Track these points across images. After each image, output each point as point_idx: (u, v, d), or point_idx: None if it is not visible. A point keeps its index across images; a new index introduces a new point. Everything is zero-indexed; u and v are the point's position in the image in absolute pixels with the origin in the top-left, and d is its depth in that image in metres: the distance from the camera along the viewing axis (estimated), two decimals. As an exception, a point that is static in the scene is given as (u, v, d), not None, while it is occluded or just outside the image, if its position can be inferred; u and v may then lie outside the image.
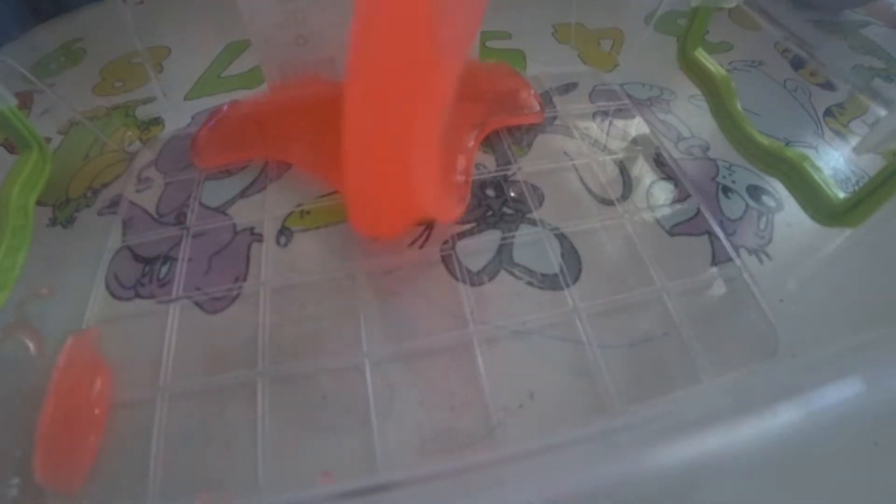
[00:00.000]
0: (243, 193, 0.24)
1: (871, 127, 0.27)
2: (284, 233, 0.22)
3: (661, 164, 0.25)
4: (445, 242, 0.21)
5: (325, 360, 0.18)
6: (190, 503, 0.15)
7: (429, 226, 0.22)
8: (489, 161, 0.25)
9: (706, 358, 0.18)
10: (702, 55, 0.25)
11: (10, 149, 0.26)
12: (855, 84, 0.29)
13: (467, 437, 0.16)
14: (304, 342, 0.19)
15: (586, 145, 0.26)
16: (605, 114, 0.28)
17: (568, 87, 0.29)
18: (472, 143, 0.24)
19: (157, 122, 0.28)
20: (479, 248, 0.21)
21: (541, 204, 0.23)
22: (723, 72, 0.24)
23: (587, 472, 0.12)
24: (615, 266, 0.21)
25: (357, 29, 0.14)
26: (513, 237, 0.22)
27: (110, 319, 0.20)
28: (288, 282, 0.20)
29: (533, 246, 0.21)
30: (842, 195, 0.18)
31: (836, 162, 0.25)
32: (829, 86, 0.30)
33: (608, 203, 0.23)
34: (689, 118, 0.27)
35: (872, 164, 0.24)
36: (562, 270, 0.20)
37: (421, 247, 0.21)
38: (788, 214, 0.22)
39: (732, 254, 0.21)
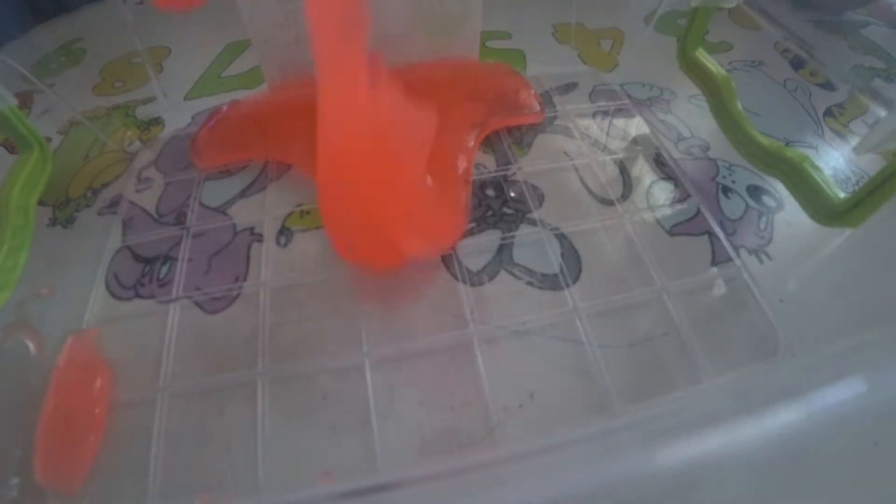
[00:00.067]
0: (243, 193, 0.24)
1: (871, 127, 0.27)
2: (284, 233, 0.22)
3: (661, 164, 0.25)
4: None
5: (325, 360, 0.18)
6: (190, 503, 0.15)
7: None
8: (489, 161, 0.25)
9: (706, 358, 0.18)
10: (702, 55, 0.25)
11: (11, 149, 0.26)
12: (855, 84, 0.29)
13: (467, 437, 0.16)
14: (304, 342, 0.19)
15: (586, 145, 0.26)
16: (605, 114, 0.28)
17: (568, 87, 0.29)
18: (472, 143, 0.24)
19: (157, 122, 0.28)
20: (478, 248, 0.21)
21: (541, 204, 0.23)
22: (723, 72, 0.24)
23: (587, 472, 0.12)
24: (615, 266, 0.21)
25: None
26: (513, 237, 0.22)
27: (110, 319, 0.20)
28: (288, 282, 0.20)
29: (533, 246, 0.21)
30: (842, 195, 0.18)
31: (836, 162, 0.25)
32: (829, 86, 0.30)
33: (608, 203, 0.23)
34: (689, 118, 0.27)
35: (872, 164, 0.24)
36: (562, 270, 0.20)
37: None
38: (788, 214, 0.22)
39: (732, 254, 0.21)
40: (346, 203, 0.17)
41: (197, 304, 0.20)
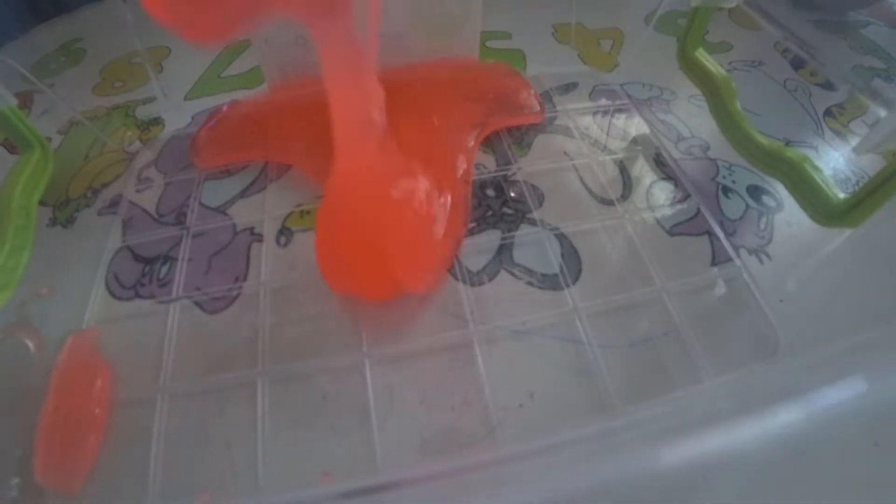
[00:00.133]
0: (243, 193, 0.24)
1: (871, 127, 0.27)
2: (284, 233, 0.22)
3: (661, 164, 0.25)
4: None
5: (324, 360, 0.18)
6: (190, 503, 0.15)
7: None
8: (489, 161, 0.25)
9: (706, 358, 0.18)
10: (702, 55, 0.25)
11: (11, 149, 0.26)
12: (855, 84, 0.29)
13: (467, 437, 0.16)
14: (304, 342, 0.19)
15: (586, 145, 0.26)
16: (605, 114, 0.28)
17: (568, 87, 0.29)
18: (472, 143, 0.24)
19: (157, 122, 0.28)
20: (478, 248, 0.21)
21: (541, 204, 0.23)
22: (723, 72, 0.24)
23: (587, 472, 0.12)
24: (615, 266, 0.21)
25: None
26: (513, 237, 0.22)
27: (110, 319, 0.20)
28: (288, 282, 0.20)
29: (533, 246, 0.21)
30: (842, 195, 0.18)
31: (836, 162, 0.25)
32: (829, 86, 0.30)
33: (608, 203, 0.23)
34: (689, 118, 0.27)
35: (872, 164, 0.24)
36: (562, 270, 0.20)
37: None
38: (788, 214, 0.22)
39: (732, 254, 0.21)
40: (345, 239, 0.18)
41: (197, 304, 0.20)
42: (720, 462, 0.11)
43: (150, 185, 0.25)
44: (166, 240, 0.22)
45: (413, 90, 0.25)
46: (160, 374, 0.18)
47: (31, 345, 0.19)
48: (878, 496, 0.13)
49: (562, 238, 0.22)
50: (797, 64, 0.31)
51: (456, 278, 0.20)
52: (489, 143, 0.26)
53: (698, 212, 0.23)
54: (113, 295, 0.20)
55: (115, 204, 0.24)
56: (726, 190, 0.24)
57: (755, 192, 0.23)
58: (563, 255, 0.21)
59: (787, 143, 0.26)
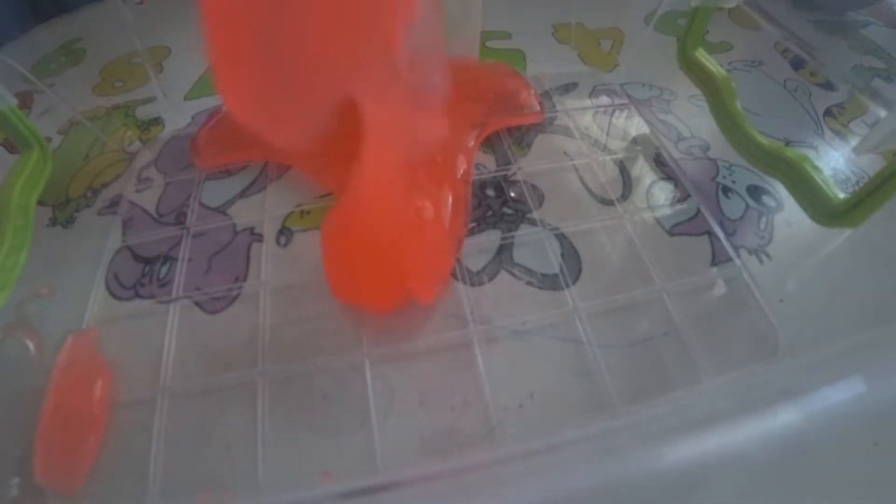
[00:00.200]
0: (243, 193, 0.24)
1: (871, 127, 0.27)
2: (284, 233, 0.22)
3: (661, 164, 0.25)
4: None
5: (324, 360, 0.18)
6: (190, 503, 0.15)
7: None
8: (489, 161, 0.25)
9: (706, 358, 0.18)
10: (702, 55, 0.25)
11: (11, 149, 0.26)
12: (855, 84, 0.29)
13: (467, 437, 0.16)
14: (304, 342, 0.19)
15: (586, 145, 0.26)
16: (605, 114, 0.28)
17: (568, 87, 0.29)
18: (472, 143, 0.24)
19: (157, 122, 0.28)
20: (478, 248, 0.21)
21: (541, 204, 0.23)
22: (723, 72, 0.24)
23: (587, 472, 0.12)
24: (615, 266, 0.21)
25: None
26: (513, 237, 0.22)
27: (110, 319, 0.20)
28: (288, 282, 0.20)
29: (533, 246, 0.21)
30: (842, 195, 0.18)
31: (836, 162, 0.25)
32: (829, 86, 0.30)
33: (608, 203, 0.23)
34: (689, 118, 0.27)
35: (872, 164, 0.24)
36: (562, 270, 0.20)
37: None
38: (788, 214, 0.22)
39: (732, 254, 0.21)
40: (359, 254, 0.18)
41: (197, 304, 0.20)
42: (720, 462, 0.11)
43: (150, 185, 0.25)
44: (166, 240, 0.22)
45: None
46: (160, 374, 0.18)
47: (31, 345, 0.19)
48: (878, 496, 0.13)
49: (562, 238, 0.22)
50: (797, 64, 0.31)
51: (456, 278, 0.20)
52: (489, 143, 0.26)
53: (698, 212, 0.23)
54: (113, 295, 0.20)
55: (115, 204, 0.24)
56: (726, 190, 0.24)
57: (755, 192, 0.23)
58: (563, 255, 0.21)
59: (787, 143, 0.26)
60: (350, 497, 0.12)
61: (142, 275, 0.21)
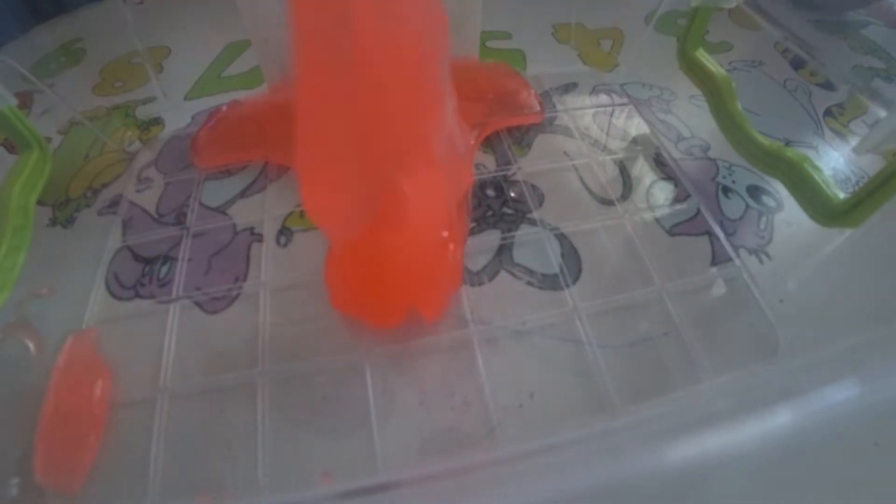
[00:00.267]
0: (243, 193, 0.24)
1: (871, 127, 0.27)
2: (284, 233, 0.22)
3: (661, 164, 0.25)
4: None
5: (324, 360, 0.18)
6: (190, 503, 0.15)
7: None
8: (489, 161, 0.25)
9: (706, 358, 0.18)
10: (702, 55, 0.25)
11: (11, 149, 0.26)
12: (855, 84, 0.29)
13: (467, 437, 0.16)
14: (304, 342, 0.19)
15: (586, 145, 0.26)
16: (605, 114, 0.28)
17: (568, 87, 0.29)
18: (472, 143, 0.24)
19: (157, 122, 0.28)
20: (478, 248, 0.21)
21: (541, 204, 0.23)
22: (723, 72, 0.24)
23: (587, 472, 0.12)
24: (615, 266, 0.21)
25: None
26: (513, 237, 0.22)
27: (110, 319, 0.20)
28: (288, 282, 0.20)
29: (533, 246, 0.21)
30: (842, 195, 0.18)
31: (836, 162, 0.25)
32: (829, 86, 0.30)
33: (608, 203, 0.23)
34: (689, 118, 0.27)
35: (872, 164, 0.24)
36: (562, 270, 0.20)
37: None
38: (788, 214, 0.22)
39: (732, 254, 0.21)
40: (366, 275, 0.18)
41: (197, 304, 0.20)
42: (720, 462, 0.11)
43: (150, 185, 0.25)
44: (166, 240, 0.22)
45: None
46: (160, 374, 0.18)
47: (30, 345, 0.19)
48: (878, 496, 0.13)
49: (562, 238, 0.22)
50: (797, 64, 0.31)
51: (456, 278, 0.20)
52: (489, 143, 0.26)
53: (698, 212, 0.23)
54: (113, 295, 0.20)
55: (115, 204, 0.24)
56: (726, 190, 0.24)
57: (755, 192, 0.23)
58: (563, 255, 0.21)
59: (787, 143, 0.26)
60: (350, 497, 0.12)
61: (142, 275, 0.21)
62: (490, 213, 0.23)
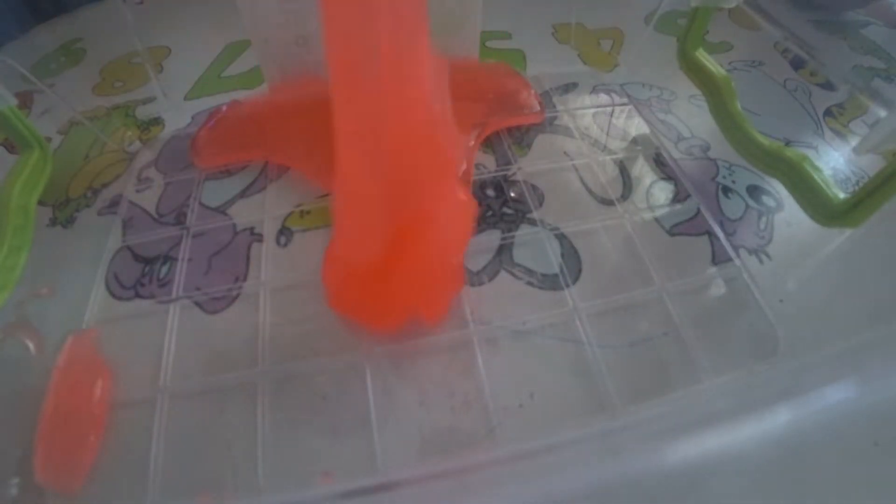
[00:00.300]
0: (243, 193, 0.24)
1: (871, 127, 0.27)
2: (284, 233, 0.22)
3: (661, 164, 0.25)
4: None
5: (324, 360, 0.18)
6: (190, 503, 0.15)
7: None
8: (489, 161, 0.25)
9: (706, 358, 0.18)
10: (702, 55, 0.25)
11: (11, 149, 0.26)
12: (855, 84, 0.29)
13: (467, 437, 0.16)
14: (304, 342, 0.19)
15: (586, 145, 0.26)
16: (605, 114, 0.28)
17: (568, 87, 0.29)
18: (472, 143, 0.24)
19: (157, 122, 0.28)
20: (478, 248, 0.21)
21: (541, 204, 0.23)
22: (723, 72, 0.24)
23: (587, 472, 0.12)
24: (615, 266, 0.21)
25: None
26: (513, 237, 0.22)
27: (110, 319, 0.20)
28: (288, 282, 0.20)
29: (533, 246, 0.21)
30: (842, 195, 0.18)
31: (836, 162, 0.25)
32: (829, 86, 0.30)
33: (608, 203, 0.23)
34: (689, 118, 0.27)
35: (872, 164, 0.24)
36: (562, 270, 0.20)
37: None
38: (788, 214, 0.22)
39: (732, 254, 0.21)
40: (368, 283, 0.17)
41: (197, 304, 0.20)
42: (720, 462, 0.11)
43: (150, 185, 0.25)
44: (166, 240, 0.22)
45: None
46: (160, 374, 0.18)
47: (30, 345, 0.19)
48: (878, 496, 0.13)
49: (562, 238, 0.22)
50: (797, 64, 0.31)
51: (456, 278, 0.20)
52: (489, 143, 0.26)
53: (698, 212, 0.23)
54: (113, 295, 0.20)
55: (115, 204, 0.24)
56: (726, 190, 0.24)
57: (755, 192, 0.23)
58: (563, 255, 0.21)
59: (787, 143, 0.26)
60: (350, 497, 0.12)
61: (142, 275, 0.21)
62: (490, 213, 0.23)
